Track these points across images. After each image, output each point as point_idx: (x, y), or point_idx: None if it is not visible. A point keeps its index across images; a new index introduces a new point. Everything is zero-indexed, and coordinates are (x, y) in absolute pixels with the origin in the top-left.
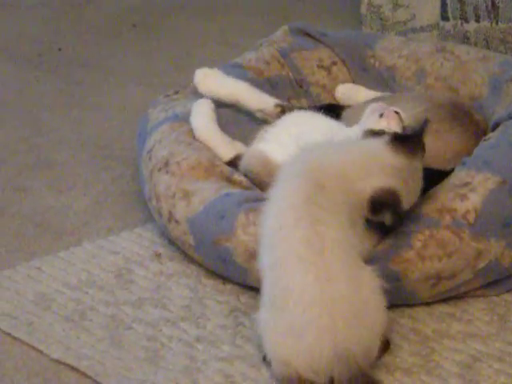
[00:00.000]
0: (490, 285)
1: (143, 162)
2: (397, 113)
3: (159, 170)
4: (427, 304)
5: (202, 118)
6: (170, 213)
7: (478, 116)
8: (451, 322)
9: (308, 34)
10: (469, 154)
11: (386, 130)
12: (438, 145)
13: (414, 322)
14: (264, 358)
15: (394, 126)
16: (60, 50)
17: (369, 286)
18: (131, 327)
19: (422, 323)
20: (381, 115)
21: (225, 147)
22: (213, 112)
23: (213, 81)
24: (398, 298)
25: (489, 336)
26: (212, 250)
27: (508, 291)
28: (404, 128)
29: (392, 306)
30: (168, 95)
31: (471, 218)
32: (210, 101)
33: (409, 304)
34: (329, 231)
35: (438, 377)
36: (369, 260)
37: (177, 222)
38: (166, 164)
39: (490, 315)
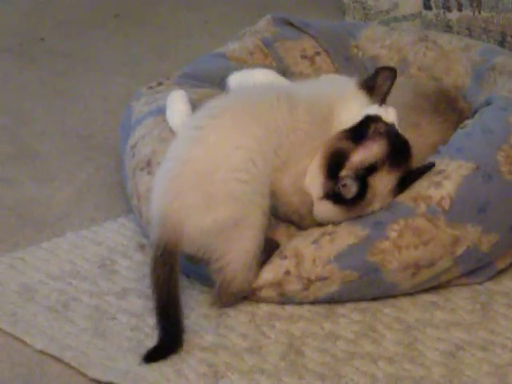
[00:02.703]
0: (473, 273)
1: (126, 157)
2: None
3: (141, 169)
4: (410, 293)
5: (177, 115)
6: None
7: (463, 104)
8: (434, 311)
9: (291, 24)
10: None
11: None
12: (417, 137)
13: (397, 310)
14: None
15: (392, 117)
16: (42, 40)
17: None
18: (115, 317)
19: (405, 312)
20: (380, 105)
21: None
22: (187, 105)
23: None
24: (380, 291)
25: (472, 325)
26: None
27: (490, 279)
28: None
29: (375, 297)
30: (151, 87)
31: (446, 204)
32: (183, 93)
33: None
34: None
35: (421, 365)
36: (344, 253)
37: None
38: (148, 164)
39: (473, 304)
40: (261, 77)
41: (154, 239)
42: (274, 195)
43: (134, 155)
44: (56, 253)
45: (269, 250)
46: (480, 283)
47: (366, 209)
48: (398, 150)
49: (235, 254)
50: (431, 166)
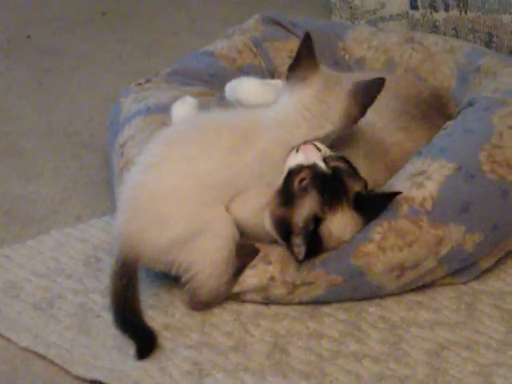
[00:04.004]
0: (457, 273)
1: (115, 155)
2: (314, 144)
3: (128, 170)
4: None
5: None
6: None
7: (453, 109)
8: (419, 310)
9: (279, 24)
10: None
11: (305, 163)
12: (407, 141)
13: (382, 310)
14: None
15: (311, 157)
16: (29, 37)
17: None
18: (100, 315)
19: (390, 311)
20: (296, 150)
21: None
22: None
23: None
24: (366, 293)
25: (456, 324)
26: None
27: (475, 279)
28: (324, 158)
29: (361, 299)
30: (140, 83)
31: (428, 205)
32: (190, 99)
33: None
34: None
35: (405, 365)
36: (329, 258)
37: None
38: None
39: (457, 303)
40: (249, 87)
41: (114, 254)
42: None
43: (122, 154)
44: (41, 250)
45: (247, 255)
46: (465, 283)
47: (336, 246)
48: (333, 189)
49: (201, 265)
50: (396, 193)
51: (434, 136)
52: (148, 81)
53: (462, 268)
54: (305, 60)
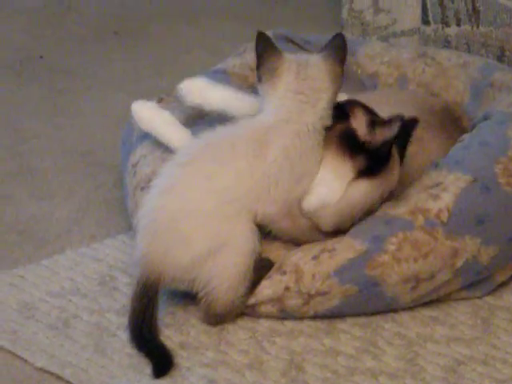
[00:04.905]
0: (472, 286)
1: (127, 175)
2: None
3: (142, 188)
4: (410, 308)
5: (172, 135)
6: None
7: (466, 122)
8: (435, 326)
9: (292, 41)
10: None
11: None
12: (419, 152)
13: (398, 326)
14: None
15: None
16: (42, 57)
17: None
18: (115, 334)
19: (406, 327)
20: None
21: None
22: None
23: (201, 90)
24: (381, 305)
25: (473, 339)
26: None
27: (491, 293)
28: None
29: (375, 311)
30: None
31: (444, 217)
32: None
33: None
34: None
35: (422, 381)
36: (344, 268)
37: None
38: (149, 184)
39: (473, 319)
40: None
41: (136, 276)
42: (262, 222)
43: (135, 174)
44: (56, 270)
45: (262, 269)
46: (480, 297)
47: (390, 179)
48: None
49: (219, 279)
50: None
51: (449, 148)
52: (160, 100)
53: (476, 281)
54: (266, 54)
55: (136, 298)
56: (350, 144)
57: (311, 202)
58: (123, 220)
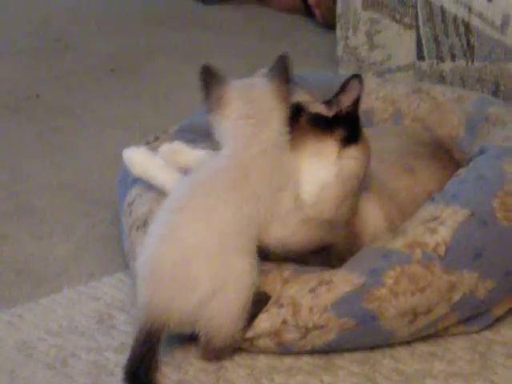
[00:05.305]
0: (470, 320)
1: (124, 214)
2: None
3: (137, 228)
4: (408, 343)
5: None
6: None
7: (459, 155)
8: (433, 361)
9: None
10: None
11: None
12: (411, 183)
13: (396, 361)
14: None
15: None
16: (38, 96)
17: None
18: (113, 373)
19: (404, 363)
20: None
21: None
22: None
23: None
24: (378, 338)
25: (471, 375)
26: None
27: (488, 328)
28: None
29: (373, 345)
30: (148, 142)
31: (441, 251)
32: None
33: (390, 343)
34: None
35: None
36: (341, 301)
37: None
38: (145, 223)
39: (471, 354)
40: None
41: (139, 322)
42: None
43: (130, 213)
44: (54, 309)
45: (260, 303)
46: (477, 332)
47: (369, 145)
48: None
49: (220, 317)
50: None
51: (443, 178)
52: (156, 138)
53: (474, 315)
54: (211, 83)
55: (138, 345)
56: (320, 126)
57: (310, 189)
58: (120, 258)
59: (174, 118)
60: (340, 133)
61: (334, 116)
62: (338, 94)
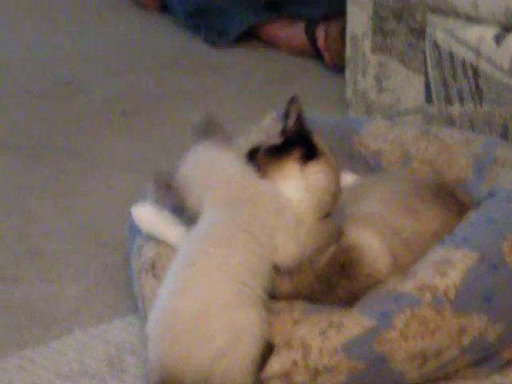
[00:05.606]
0: (479, 363)
1: (133, 256)
2: None
3: (146, 271)
4: None
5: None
6: None
7: (464, 197)
8: None
9: None
10: (451, 231)
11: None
12: (415, 223)
13: None
14: None
15: None
16: (49, 139)
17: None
18: None
19: None
20: None
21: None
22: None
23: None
24: (389, 382)
25: None
26: None
27: (497, 371)
28: None
29: None
30: None
31: (452, 294)
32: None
33: None
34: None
35: None
36: (351, 344)
37: None
38: (153, 266)
39: None
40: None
41: (152, 382)
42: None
43: (140, 256)
44: (64, 352)
45: (265, 353)
46: (487, 375)
47: (332, 157)
48: None
49: (233, 371)
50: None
51: (450, 220)
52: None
53: (484, 359)
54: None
55: None
56: (277, 154)
57: (285, 209)
58: (131, 300)
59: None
60: (296, 152)
61: (285, 141)
62: (284, 123)
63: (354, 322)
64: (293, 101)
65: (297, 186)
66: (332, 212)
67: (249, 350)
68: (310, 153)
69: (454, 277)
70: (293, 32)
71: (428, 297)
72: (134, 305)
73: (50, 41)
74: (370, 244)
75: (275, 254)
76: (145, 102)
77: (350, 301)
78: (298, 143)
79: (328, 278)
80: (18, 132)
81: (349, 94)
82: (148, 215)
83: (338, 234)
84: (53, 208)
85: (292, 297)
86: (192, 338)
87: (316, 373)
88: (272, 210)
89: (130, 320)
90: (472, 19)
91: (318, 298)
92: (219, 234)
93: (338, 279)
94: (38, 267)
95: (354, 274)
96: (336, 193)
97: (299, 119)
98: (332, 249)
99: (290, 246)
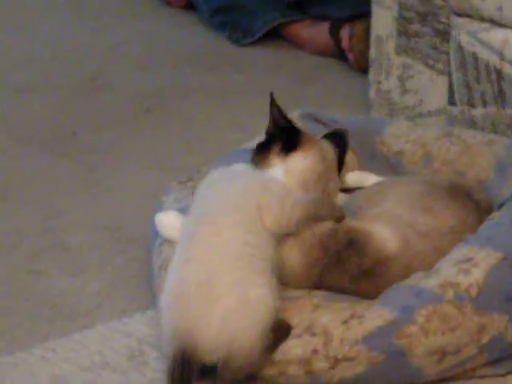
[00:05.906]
0: (497, 363)
1: (155, 253)
2: None
3: (165, 269)
4: (434, 383)
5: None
6: None
7: (478, 195)
8: None
9: (318, 120)
10: (468, 228)
11: None
12: (431, 221)
13: None
14: None
15: None
16: (74, 134)
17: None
18: None
19: None
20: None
21: None
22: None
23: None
24: (406, 375)
25: None
26: None
27: None
28: None
29: (400, 383)
30: (181, 182)
31: (474, 292)
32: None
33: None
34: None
35: None
36: (372, 335)
37: None
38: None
39: None
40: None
41: (169, 354)
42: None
43: (161, 253)
44: (86, 344)
45: (279, 330)
46: (504, 375)
47: (319, 145)
48: None
49: (240, 337)
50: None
51: (466, 217)
52: (189, 179)
53: (501, 358)
54: None
55: (174, 375)
56: (261, 153)
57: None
58: (152, 295)
59: (206, 158)
60: (276, 146)
61: (267, 139)
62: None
63: (375, 315)
64: (272, 104)
65: (277, 170)
66: (324, 190)
67: (257, 313)
68: (289, 144)
69: (477, 275)
70: (317, 32)
71: (450, 294)
72: (154, 300)
73: (76, 37)
74: (379, 230)
75: (262, 218)
76: (169, 99)
77: (362, 277)
78: (278, 138)
79: (337, 252)
80: (44, 126)
81: (372, 94)
82: (170, 222)
83: (335, 211)
84: (77, 202)
85: (306, 274)
86: (200, 304)
87: (335, 362)
88: (259, 180)
89: (152, 314)
90: (496, 22)
91: (332, 275)
92: (214, 207)
93: (347, 255)
94: (62, 260)
95: (363, 250)
96: (320, 172)
97: (277, 115)
98: (333, 224)
99: (274, 208)
